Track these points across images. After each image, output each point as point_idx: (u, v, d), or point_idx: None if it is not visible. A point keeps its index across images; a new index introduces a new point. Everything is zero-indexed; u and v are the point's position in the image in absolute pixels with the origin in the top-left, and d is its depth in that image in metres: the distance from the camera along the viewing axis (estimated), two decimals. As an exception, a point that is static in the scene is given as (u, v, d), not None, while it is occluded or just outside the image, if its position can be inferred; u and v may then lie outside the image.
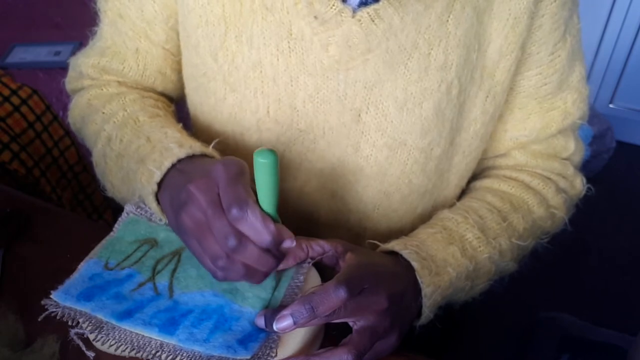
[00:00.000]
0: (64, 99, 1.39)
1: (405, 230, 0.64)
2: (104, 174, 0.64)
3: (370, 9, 0.52)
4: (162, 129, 0.59)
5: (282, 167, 0.64)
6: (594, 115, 1.91)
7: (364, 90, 0.57)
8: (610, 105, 2.06)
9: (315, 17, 0.53)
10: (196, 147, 0.55)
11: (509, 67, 0.59)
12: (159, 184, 0.54)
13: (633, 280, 1.60)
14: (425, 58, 0.55)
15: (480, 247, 0.60)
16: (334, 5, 0.52)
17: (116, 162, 0.61)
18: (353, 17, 0.52)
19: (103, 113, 0.65)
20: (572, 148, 0.68)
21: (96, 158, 0.65)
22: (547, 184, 0.67)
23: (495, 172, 0.70)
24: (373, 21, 0.52)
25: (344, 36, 0.53)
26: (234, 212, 0.45)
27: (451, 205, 0.66)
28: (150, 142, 0.57)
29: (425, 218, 0.66)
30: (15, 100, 1.04)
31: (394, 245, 0.57)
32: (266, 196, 0.47)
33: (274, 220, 0.48)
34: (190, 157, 0.54)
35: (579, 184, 0.71)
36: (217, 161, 0.50)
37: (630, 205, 1.84)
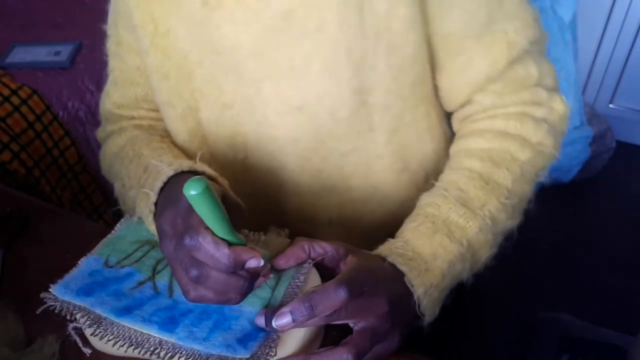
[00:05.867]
0: (64, 99, 1.38)
1: (336, 188, 0.68)
2: (123, 208, 0.69)
3: None
4: (159, 157, 0.62)
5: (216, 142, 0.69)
6: (594, 115, 1.91)
7: (257, 61, 0.60)
8: (610, 105, 2.06)
9: (204, 3, 0.58)
10: (185, 164, 0.57)
11: (407, 16, 0.57)
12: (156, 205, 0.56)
13: (633, 280, 1.60)
14: (303, 22, 0.56)
15: (468, 223, 0.59)
16: None
17: (127, 195, 0.65)
18: None
19: (120, 157, 0.70)
20: (536, 73, 0.64)
21: (117, 196, 0.70)
22: (523, 121, 0.64)
23: (469, 126, 0.68)
24: None
25: (228, 15, 0.57)
26: (187, 241, 0.47)
27: (431, 186, 0.65)
28: (147, 171, 0.61)
29: (360, 176, 0.68)
30: (15, 100, 1.04)
31: (381, 250, 0.57)
32: (214, 223, 0.46)
33: (233, 243, 0.48)
34: (181, 175, 0.56)
35: (558, 105, 0.67)
36: (169, 196, 0.52)
37: (630, 205, 1.84)
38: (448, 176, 0.64)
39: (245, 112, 0.65)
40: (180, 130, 0.68)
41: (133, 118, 0.75)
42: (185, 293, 0.49)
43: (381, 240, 0.59)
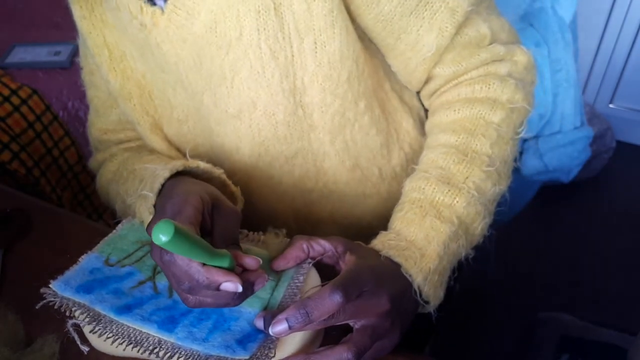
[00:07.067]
0: (63, 99, 1.38)
1: (288, 193, 0.69)
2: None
3: (169, 2, 0.57)
4: (153, 166, 0.63)
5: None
6: (594, 115, 1.91)
7: (196, 74, 0.61)
8: (610, 105, 2.06)
9: (142, 25, 0.59)
10: (178, 163, 0.59)
11: (326, 11, 0.56)
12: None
13: (633, 280, 1.60)
14: (226, 32, 0.57)
15: (454, 200, 0.58)
16: (147, 10, 0.58)
17: (128, 208, 0.65)
18: (163, 14, 0.57)
19: (115, 181, 0.71)
20: (487, 31, 0.62)
21: (120, 215, 0.71)
22: (487, 82, 0.63)
23: (437, 101, 0.68)
24: (176, 13, 0.57)
25: (164, 34, 0.58)
26: (163, 256, 0.47)
27: (412, 171, 0.64)
28: (143, 180, 0.61)
29: (311, 178, 0.68)
30: (15, 100, 1.04)
31: (375, 244, 0.57)
32: (194, 255, 0.45)
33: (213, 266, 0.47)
34: (176, 176, 0.58)
35: (519, 56, 0.65)
36: (169, 199, 0.52)
37: (630, 205, 1.84)
38: (426, 156, 0.64)
39: (197, 124, 0.67)
40: (156, 142, 0.70)
41: (121, 142, 0.76)
42: (184, 300, 0.49)
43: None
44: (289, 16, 0.56)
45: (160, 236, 0.39)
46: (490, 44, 0.64)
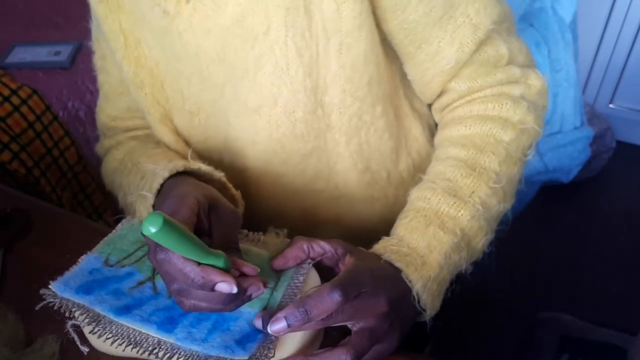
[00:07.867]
0: (63, 99, 1.39)
1: (298, 193, 0.69)
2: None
3: None
4: (155, 162, 0.63)
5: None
6: (594, 115, 1.91)
7: (218, 65, 0.60)
8: (610, 105, 2.05)
9: (165, 12, 0.58)
10: (179, 164, 0.59)
11: (355, 13, 0.56)
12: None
13: (633, 280, 1.60)
14: (253, 26, 0.57)
15: (459, 212, 0.59)
16: None
17: (129, 204, 0.65)
18: (188, 2, 0.57)
19: (120, 170, 0.71)
20: (506, 52, 0.63)
21: (122, 206, 0.71)
22: (500, 102, 0.64)
23: (449, 115, 0.68)
24: (202, 2, 0.56)
25: (187, 23, 0.58)
26: (158, 255, 0.47)
27: (418, 180, 0.65)
28: (144, 178, 0.61)
29: (323, 179, 0.68)
30: (15, 100, 1.04)
31: (376, 249, 0.57)
32: (185, 252, 0.45)
33: (206, 265, 0.46)
34: (176, 176, 0.58)
35: (534, 80, 0.66)
36: (166, 199, 0.52)
37: (630, 205, 1.84)
38: (434, 167, 0.64)
39: (211, 116, 0.66)
40: (164, 133, 0.70)
41: (129, 129, 0.76)
42: (179, 304, 0.49)
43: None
44: (317, 15, 0.56)
45: (149, 227, 0.39)
46: (507, 64, 0.65)
